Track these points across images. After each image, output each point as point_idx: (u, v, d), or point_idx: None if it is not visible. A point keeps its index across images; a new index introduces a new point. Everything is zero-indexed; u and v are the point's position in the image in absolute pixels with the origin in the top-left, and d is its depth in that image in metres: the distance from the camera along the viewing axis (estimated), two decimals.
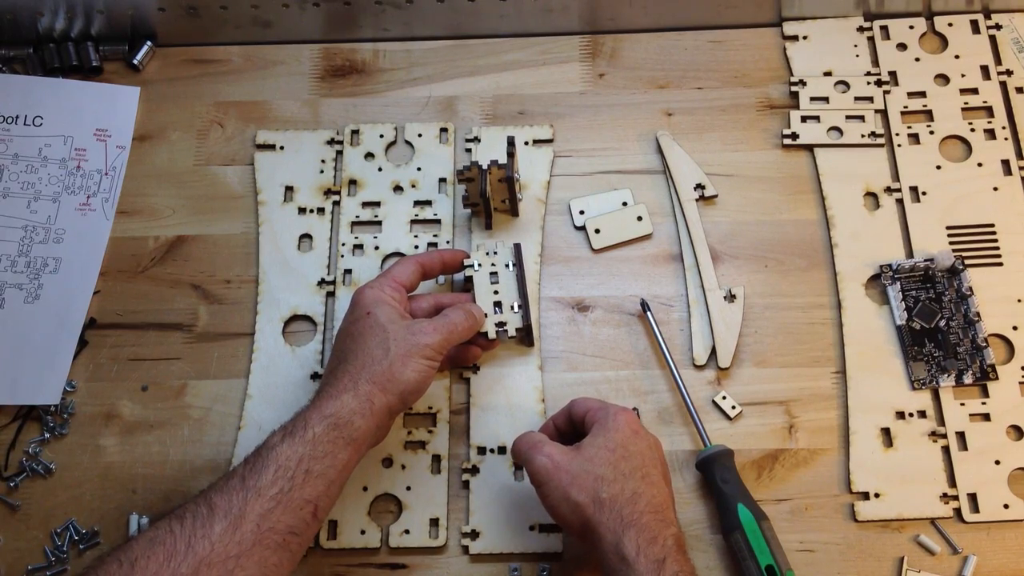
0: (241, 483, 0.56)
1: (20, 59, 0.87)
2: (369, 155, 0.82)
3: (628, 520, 0.59)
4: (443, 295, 0.73)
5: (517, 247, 0.74)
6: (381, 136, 0.82)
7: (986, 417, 0.71)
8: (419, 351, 0.64)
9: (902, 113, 0.81)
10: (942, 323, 0.74)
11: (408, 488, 0.71)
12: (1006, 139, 0.80)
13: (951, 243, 0.76)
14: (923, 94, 0.82)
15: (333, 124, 0.84)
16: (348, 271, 0.78)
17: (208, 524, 0.54)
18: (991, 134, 0.80)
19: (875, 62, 0.83)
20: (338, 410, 0.60)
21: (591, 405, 0.66)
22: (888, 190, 0.79)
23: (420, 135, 0.82)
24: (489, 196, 0.75)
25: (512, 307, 0.72)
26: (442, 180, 0.81)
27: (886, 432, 0.71)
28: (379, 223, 0.80)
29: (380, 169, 0.81)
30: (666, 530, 0.59)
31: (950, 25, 0.84)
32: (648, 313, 0.75)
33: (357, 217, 0.80)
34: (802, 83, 0.82)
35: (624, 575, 0.57)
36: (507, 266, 0.73)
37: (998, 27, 0.84)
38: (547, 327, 0.76)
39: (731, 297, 0.75)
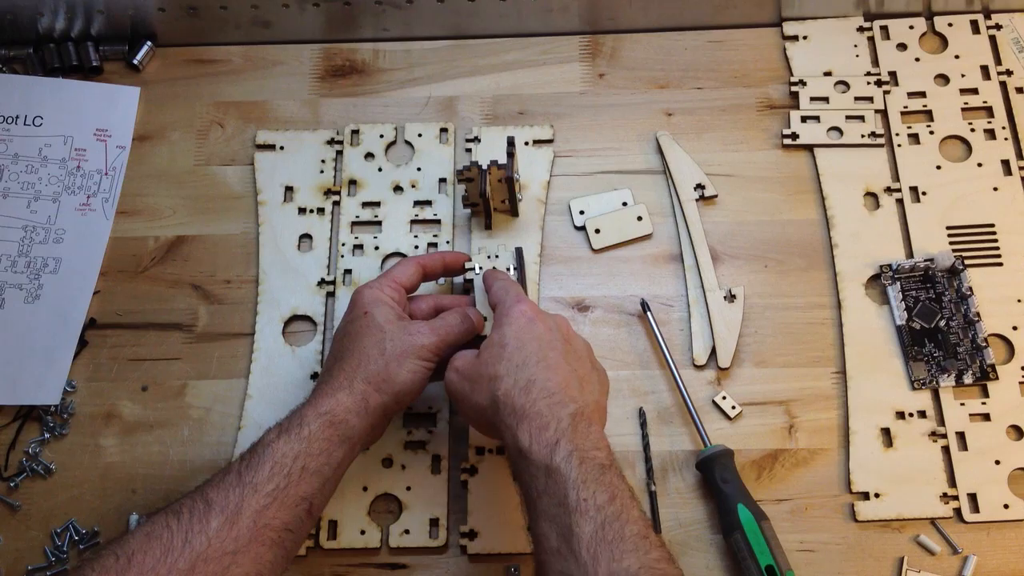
0: (238, 479, 0.56)
1: (20, 59, 0.87)
2: (369, 155, 0.82)
3: (521, 413, 0.57)
4: (443, 296, 0.73)
5: (519, 251, 0.73)
6: (381, 136, 0.82)
7: (986, 417, 0.71)
8: (415, 352, 0.64)
9: (902, 113, 0.81)
10: (942, 323, 0.74)
11: (408, 488, 0.71)
12: (1006, 139, 0.79)
13: (951, 243, 0.76)
14: (923, 94, 0.82)
15: (333, 124, 0.84)
16: (348, 271, 0.78)
17: (205, 519, 0.54)
18: (991, 134, 0.80)
19: (875, 62, 0.83)
20: (333, 408, 0.60)
21: (497, 297, 0.65)
22: (888, 190, 0.79)
23: (420, 135, 0.82)
24: (489, 196, 0.75)
25: None
26: (442, 180, 0.81)
27: (886, 432, 0.71)
28: (379, 223, 0.80)
29: (380, 169, 0.81)
30: (561, 411, 0.57)
31: (950, 25, 0.84)
32: (648, 313, 0.74)
33: (357, 217, 0.80)
34: (802, 83, 0.82)
35: (524, 467, 0.56)
36: (508, 270, 0.73)
37: (998, 27, 0.84)
38: None
39: (731, 297, 0.75)
